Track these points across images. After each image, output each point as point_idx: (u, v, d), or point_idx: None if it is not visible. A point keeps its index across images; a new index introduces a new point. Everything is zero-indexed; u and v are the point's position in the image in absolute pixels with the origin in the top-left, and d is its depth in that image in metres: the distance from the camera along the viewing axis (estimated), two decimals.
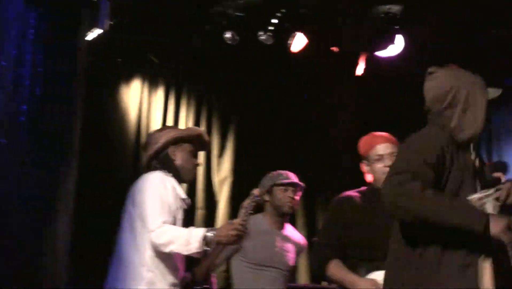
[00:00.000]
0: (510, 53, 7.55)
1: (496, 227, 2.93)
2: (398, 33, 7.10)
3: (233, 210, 6.70)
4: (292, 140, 7.91)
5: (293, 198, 5.24)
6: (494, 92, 3.29)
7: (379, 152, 4.31)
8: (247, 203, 4.04)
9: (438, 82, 3.28)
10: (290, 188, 5.26)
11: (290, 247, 5.30)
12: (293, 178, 5.29)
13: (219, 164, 7.59)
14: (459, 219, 2.94)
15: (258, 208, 5.32)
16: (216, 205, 7.46)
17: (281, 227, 5.32)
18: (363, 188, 4.45)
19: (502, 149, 8.94)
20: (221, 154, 7.64)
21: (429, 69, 3.35)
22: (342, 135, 7.90)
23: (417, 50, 7.36)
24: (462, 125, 3.20)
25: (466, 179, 3.15)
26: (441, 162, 3.09)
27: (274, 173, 5.32)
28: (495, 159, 8.72)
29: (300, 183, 5.31)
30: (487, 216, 2.96)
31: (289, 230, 5.38)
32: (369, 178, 4.42)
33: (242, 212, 4.03)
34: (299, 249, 5.39)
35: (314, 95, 8.02)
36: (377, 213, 4.25)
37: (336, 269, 4.18)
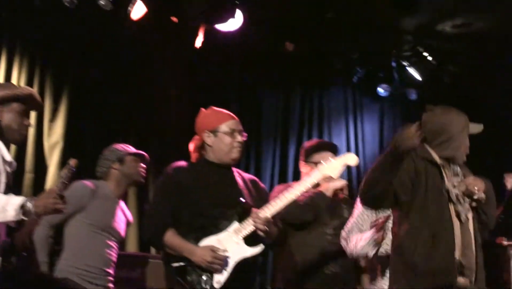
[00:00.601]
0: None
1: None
2: (238, 8, 7.17)
3: None
4: (126, 108, 7.83)
5: (144, 169, 5.42)
6: (475, 128, 4.29)
7: (232, 126, 4.43)
8: (63, 172, 3.97)
9: (434, 117, 4.28)
10: (141, 160, 5.41)
11: (123, 218, 5.39)
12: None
13: (50, 128, 7.38)
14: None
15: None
16: (46, 169, 7.28)
17: (121, 197, 5.41)
18: (193, 160, 4.52)
19: (331, 128, 9.27)
20: (53, 118, 7.43)
21: (428, 106, 4.34)
22: (173, 108, 7.92)
23: (255, 26, 7.47)
24: (447, 151, 4.22)
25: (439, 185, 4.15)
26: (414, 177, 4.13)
27: (123, 144, 5.46)
28: (325, 138, 9.02)
29: (148, 158, 5.46)
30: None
31: (122, 203, 5.44)
32: (200, 150, 4.49)
33: (59, 181, 3.96)
34: (128, 222, 5.49)
35: (149, 65, 7.96)
36: (208, 183, 4.36)
37: (172, 238, 4.25)
